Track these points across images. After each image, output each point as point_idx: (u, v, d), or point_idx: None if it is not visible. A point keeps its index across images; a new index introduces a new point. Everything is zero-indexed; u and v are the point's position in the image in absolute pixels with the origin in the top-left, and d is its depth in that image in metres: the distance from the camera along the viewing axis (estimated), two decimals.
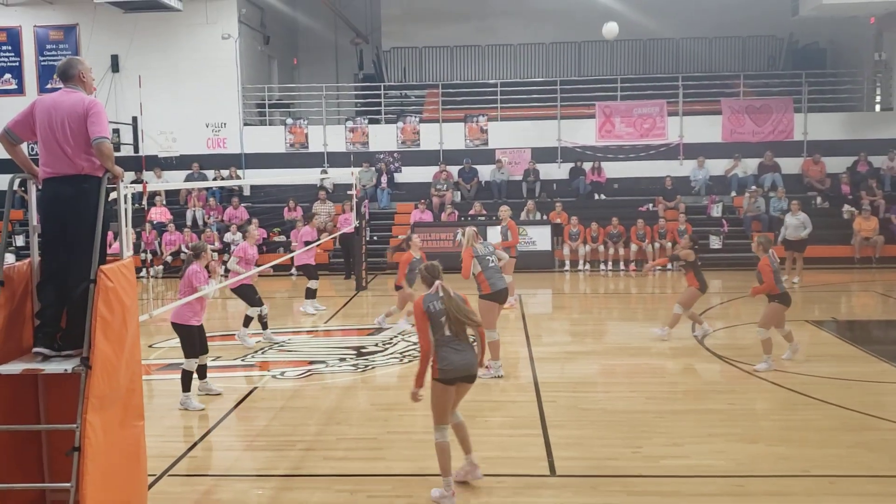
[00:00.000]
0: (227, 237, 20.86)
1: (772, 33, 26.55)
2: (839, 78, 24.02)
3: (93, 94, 5.73)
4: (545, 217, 21.08)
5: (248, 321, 12.32)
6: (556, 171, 23.32)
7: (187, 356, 9.21)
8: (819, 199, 21.54)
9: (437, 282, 6.70)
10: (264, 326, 12.47)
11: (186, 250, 20.31)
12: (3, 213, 5.52)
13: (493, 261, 9.95)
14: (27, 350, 5.49)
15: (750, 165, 22.58)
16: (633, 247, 20.13)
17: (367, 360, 11.29)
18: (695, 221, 20.56)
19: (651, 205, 21.81)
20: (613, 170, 23.00)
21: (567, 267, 20.31)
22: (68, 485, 4.94)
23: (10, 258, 10.61)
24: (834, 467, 6.98)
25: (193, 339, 9.23)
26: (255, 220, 19.02)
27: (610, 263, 20.24)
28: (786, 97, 23.13)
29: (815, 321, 13.53)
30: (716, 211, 21.62)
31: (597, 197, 22.54)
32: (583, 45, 27.37)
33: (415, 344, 11.90)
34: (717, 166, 22.69)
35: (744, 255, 20.29)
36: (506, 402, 9.03)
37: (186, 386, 9.18)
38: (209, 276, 9.56)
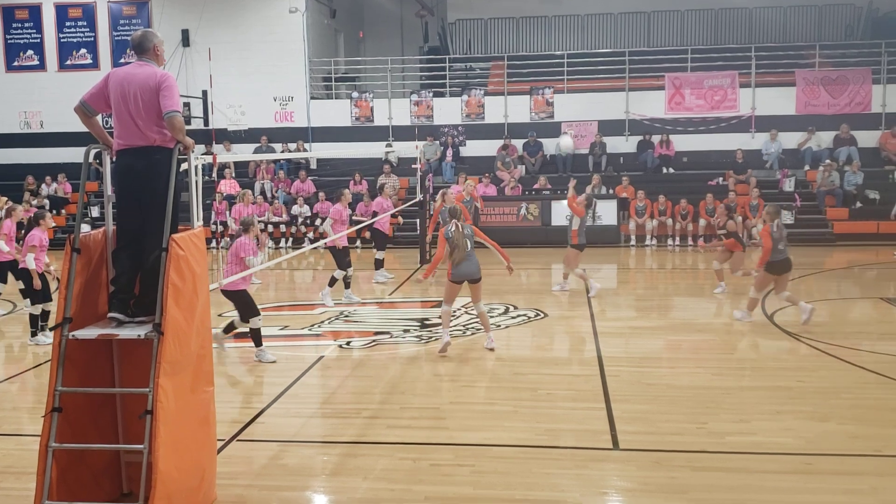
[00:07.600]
0: (295, 209, 21.16)
1: (850, 1, 25.65)
2: None
3: (163, 67, 5.80)
4: (611, 191, 20.84)
5: (332, 282, 13.32)
6: (623, 144, 23.00)
7: (251, 316, 9.72)
8: None
9: (454, 220, 9.91)
10: (346, 286, 13.47)
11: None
12: (79, 184, 5.66)
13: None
14: (102, 316, 5.66)
15: (824, 139, 21.97)
16: (702, 222, 19.77)
17: (430, 331, 11.36)
18: (766, 196, 20.10)
19: (721, 178, 21.39)
20: (683, 143, 22.59)
21: (633, 242, 20.08)
22: (141, 446, 5.10)
23: (85, 228, 10.80)
24: None
25: (248, 299, 9.78)
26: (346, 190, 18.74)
27: (678, 238, 19.94)
28: (864, 68, 22.38)
29: (889, 298, 13.15)
30: (788, 185, 21.09)
31: (665, 171, 22.18)
32: (652, 15, 26.84)
33: (476, 318, 11.97)
34: (791, 139, 22.11)
35: (817, 231, 19.86)
36: (569, 376, 9.00)
37: (258, 341, 9.78)
38: (257, 248, 10.09)
